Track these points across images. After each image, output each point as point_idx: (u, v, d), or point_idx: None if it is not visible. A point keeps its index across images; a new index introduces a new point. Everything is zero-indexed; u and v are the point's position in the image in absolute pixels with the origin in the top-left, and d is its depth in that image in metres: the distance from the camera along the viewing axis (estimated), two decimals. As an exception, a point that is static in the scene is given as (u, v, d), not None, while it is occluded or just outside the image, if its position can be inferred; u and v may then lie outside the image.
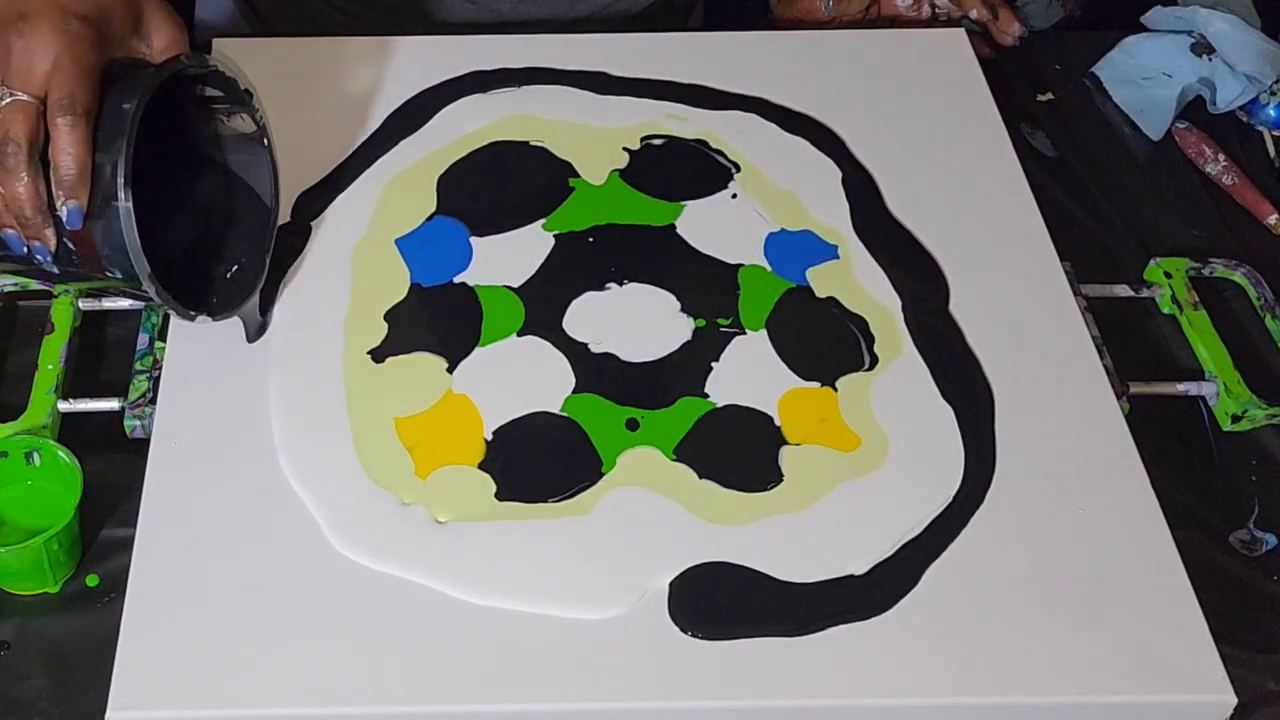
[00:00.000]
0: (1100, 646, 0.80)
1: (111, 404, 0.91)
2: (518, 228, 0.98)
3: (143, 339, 0.94)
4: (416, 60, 1.09)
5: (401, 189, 0.99)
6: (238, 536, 0.82)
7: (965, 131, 1.07)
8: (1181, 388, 0.97)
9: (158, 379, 0.90)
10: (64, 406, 0.91)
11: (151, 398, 0.90)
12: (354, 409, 0.87)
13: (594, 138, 1.04)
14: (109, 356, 0.96)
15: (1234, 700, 0.79)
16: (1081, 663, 0.80)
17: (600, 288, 0.95)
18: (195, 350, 0.90)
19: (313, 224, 0.97)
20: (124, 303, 0.97)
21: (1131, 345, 1.00)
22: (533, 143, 1.03)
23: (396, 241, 0.96)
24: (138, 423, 0.90)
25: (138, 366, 0.92)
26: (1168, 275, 1.02)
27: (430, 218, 0.98)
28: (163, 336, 0.92)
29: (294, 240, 0.96)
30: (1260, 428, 0.96)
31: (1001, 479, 0.87)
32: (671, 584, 0.81)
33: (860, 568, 0.82)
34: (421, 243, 0.96)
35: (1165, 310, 1.02)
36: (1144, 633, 0.81)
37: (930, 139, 1.06)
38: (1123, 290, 1.02)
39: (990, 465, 0.87)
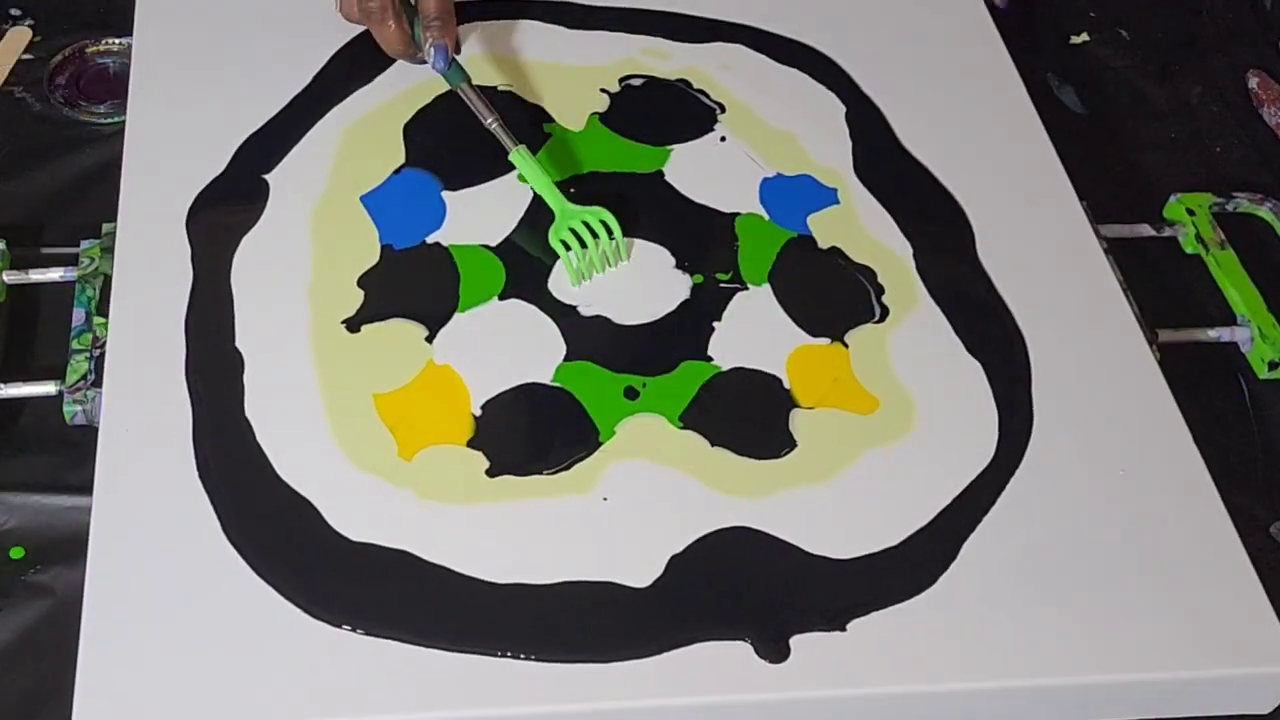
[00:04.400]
0: (1150, 618, 0.74)
1: (48, 388, 0.82)
2: (492, 180, 0.90)
3: (78, 314, 0.84)
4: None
5: (363, 139, 0.90)
6: (205, 536, 0.73)
7: (969, 57, 1.00)
8: (1213, 333, 0.90)
9: (100, 359, 0.81)
10: (-4, 393, 0.82)
11: (94, 380, 0.81)
12: (326, 387, 0.78)
13: (568, 78, 0.95)
14: (42, 337, 0.87)
15: (1298, 669, 0.73)
16: (1133, 637, 0.73)
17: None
18: (143, 325, 0.80)
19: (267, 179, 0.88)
20: (54, 274, 0.88)
21: (1154, 289, 0.93)
22: (500, 88, 0.95)
23: (362, 198, 0.87)
24: (79, 408, 0.81)
25: (75, 346, 0.83)
26: (1190, 212, 0.95)
27: (398, 170, 0.89)
28: (102, 311, 0.83)
29: (249, 198, 0.87)
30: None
31: (1036, 439, 0.80)
32: (688, 557, 0.74)
33: (894, 541, 0.75)
34: (389, 199, 0.88)
35: (1189, 250, 0.95)
36: (1197, 601, 0.75)
37: (935, 69, 0.99)
38: (1144, 230, 0.95)
39: (1027, 425, 0.80)
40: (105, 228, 0.87)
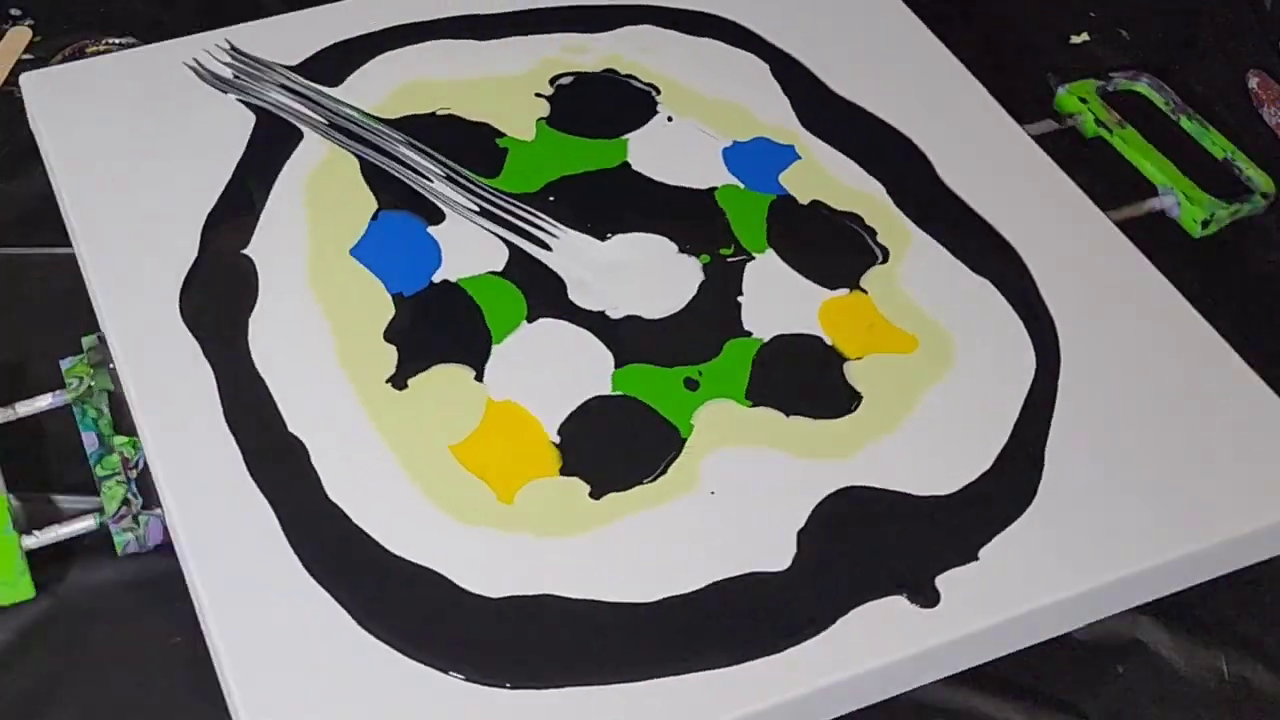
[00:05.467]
0: (1214, 482, 0.78)
1: (86, 524, 0.76)
2: (469, 205, 0.88)
3: (89, 438, 0.78)
4: (259, 46, 0.95)
5: (326, 192, 0.86)
6: (341, 632, 0.69)
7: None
8: (1150, 204, 0.96)
9: (140, 480, 0.76)
10: (30, 543, 0.76)
11: (143, 503, 0.75)
12: (400, 451, 0.75)
13: (500, 90, 0.93)
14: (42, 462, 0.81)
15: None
16: (1209, 504, 0.77)
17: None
18: (183, 435, 0.75)
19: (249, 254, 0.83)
20: (42, 402, 0.81)
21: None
22: (439, 113, 0.92)
23: (352, 252, 0.84)
24: (130, 536, 0.75)
25: (100, 471, 0.77)
26: (1082, 100, 1.01)
27: (375, 217, 0.86)
28: (120, 429, 0.77)
29: (238, 278, 0.82)
30: (1227, 226, 0.96)
31: (1064, 339, 0.84)
32: (812, 528, 0.74)
33: (986, 464, 0.78)
34: (379, 247, 0.84)
35: (1090, 134, 1.00)
36: (1251, 459, 0.79)
37: (832, 16, 1.00)
38: (1049, 125, 1.00)
39: (1052, 327, 0.84)
40: (85, 342, 0.81)
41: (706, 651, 0.70)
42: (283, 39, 0.96)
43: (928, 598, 0.73)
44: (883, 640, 0.71)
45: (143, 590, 0.79)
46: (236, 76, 0.93)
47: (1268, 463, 0.79)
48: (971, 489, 0.77)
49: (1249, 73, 1.08)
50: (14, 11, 1.07)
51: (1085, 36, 1.13)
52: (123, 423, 0.78)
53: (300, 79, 0.93)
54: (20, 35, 1.06)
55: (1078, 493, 0.77)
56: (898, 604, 0.72)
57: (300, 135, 0.90)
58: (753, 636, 0.71)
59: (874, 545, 0.74)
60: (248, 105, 0.91)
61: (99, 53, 1.04)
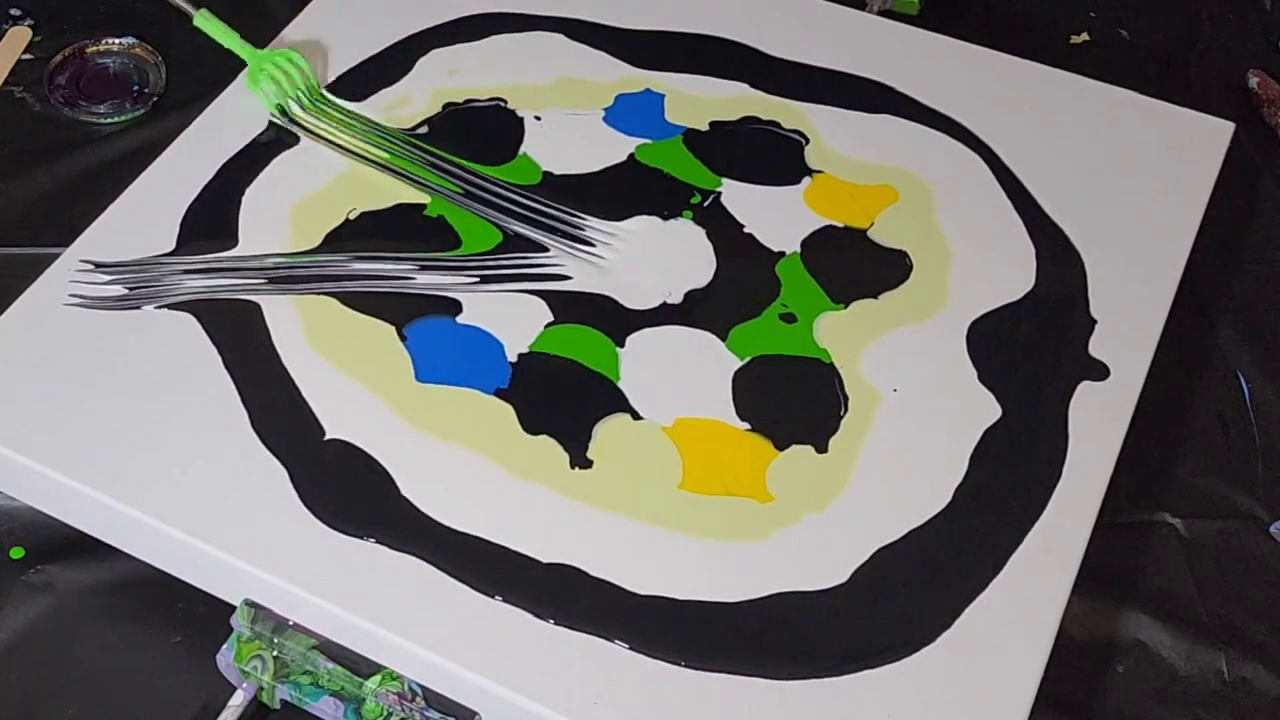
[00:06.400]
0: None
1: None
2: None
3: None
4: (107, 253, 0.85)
5: (335, 345, 0.81)
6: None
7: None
8: None
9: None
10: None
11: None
12: (651, 517, 0.75)
13: (372, 171, 0.90)
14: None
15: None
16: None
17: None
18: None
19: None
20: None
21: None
22: (351, 216, 0.88)
23: (419, 380, 0.79)
24: None
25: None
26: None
27: (403, 338, 0.81)
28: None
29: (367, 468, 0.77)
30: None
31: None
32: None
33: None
34: (435, 363, 0.80)
35: None
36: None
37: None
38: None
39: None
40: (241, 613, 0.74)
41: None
42: (137, 223, 0.87)
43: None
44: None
45: (143, 590, 0.80)
46: (132, 288, 0.83)
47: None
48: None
49: (1249, 73, 1.08)
50: (14, 11, 1.08)
51: (1085, 36, 1.13)
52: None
53: (200, 256, 0.85)
54: (20, 35, 1.06)
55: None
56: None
57: (255, 307, 0.83)
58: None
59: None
60: (172, 308, 0.82)
61: (99, 53, 1.05)
